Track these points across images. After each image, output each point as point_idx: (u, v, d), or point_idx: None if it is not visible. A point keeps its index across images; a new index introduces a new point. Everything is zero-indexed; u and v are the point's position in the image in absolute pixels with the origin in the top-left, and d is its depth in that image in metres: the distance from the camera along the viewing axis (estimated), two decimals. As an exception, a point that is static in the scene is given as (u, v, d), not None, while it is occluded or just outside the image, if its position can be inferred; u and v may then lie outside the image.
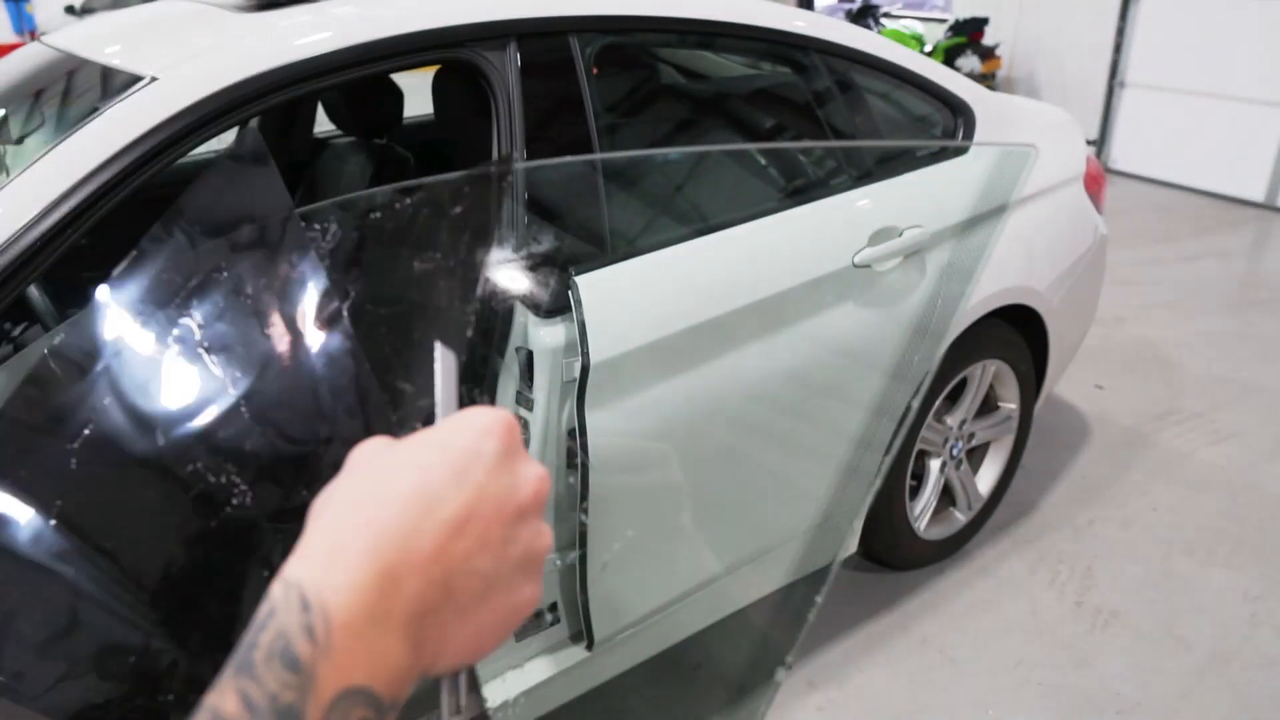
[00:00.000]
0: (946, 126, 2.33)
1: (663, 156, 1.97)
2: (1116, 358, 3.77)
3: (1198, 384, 3.56)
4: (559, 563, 1.65)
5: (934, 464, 2.42)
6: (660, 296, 1.66)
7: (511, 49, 1.57)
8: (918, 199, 2.07)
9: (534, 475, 0.41)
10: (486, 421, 0.40)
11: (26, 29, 11.01)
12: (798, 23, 2.09)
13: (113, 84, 1.40)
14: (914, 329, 2.04)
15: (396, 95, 2.37)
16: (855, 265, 1.90)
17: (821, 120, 2.16)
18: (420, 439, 0.40)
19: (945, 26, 7.45)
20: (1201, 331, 4.03)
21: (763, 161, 2.13)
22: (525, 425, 1.59)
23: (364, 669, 0.34)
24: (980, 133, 2.33)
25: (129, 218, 1.25)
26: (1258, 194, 5.86)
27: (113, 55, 1.48)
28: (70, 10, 8.45)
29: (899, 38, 7.53)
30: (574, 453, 1.57)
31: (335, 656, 0.33)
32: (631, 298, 1.62)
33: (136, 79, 1.33)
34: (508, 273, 1.50)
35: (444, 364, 0.43)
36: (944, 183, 2.14)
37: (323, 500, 0.39)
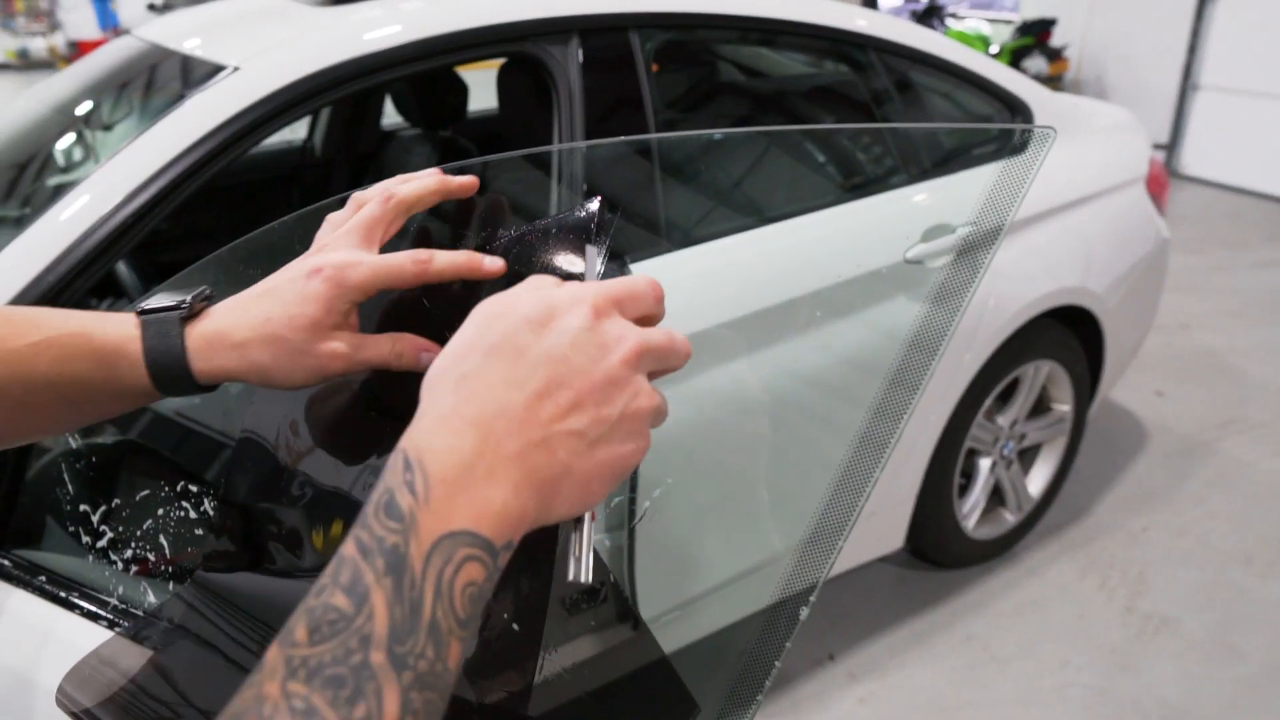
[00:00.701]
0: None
1: (720, 136, 2.00)
2: (1179, 364, 3.69)
3: (1263, 394, 3.48)
4: (608, 543, 1.70)
5: (984, 463, 2.42)
6: (713, 286, 1.69)
7: (574, 44, 1.62)
8: (971, 197, 2.07)
9: (629, 343, 0.45)
10: (579, 294, 0.46)
11: (111, 25, 11.44)
12: (859, 21, 2.11)
13: (197, 74, 1.48)
14: (965, 327, 2.04)
15: (461, 89, 2.45)
16: (907, 261, 1.91)
17: (879, 119, 2.17)
18: (519, 317, 0.45)
19: (1012, 27, 7.34)
20: (1268, 340, 3.93)
21: (820, 158, 2.16)
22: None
23: (465, 516, 0.39)
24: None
25: (203, 203, 1.33)
26: (1335, 201, 5.68)
27: (196, 47, 1.57)
28: (152, 7, 8.75)
29: (964, 39, 7.44)
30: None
31: (434, 506, 0.38)
32: (686, 287, 1.66)
33: (219, 68, 1.41)
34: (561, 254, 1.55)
35: (590, 256, 0.54)
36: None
37: (433, 374, 0.44)
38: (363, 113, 2.61)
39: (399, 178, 0.62)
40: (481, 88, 2.59)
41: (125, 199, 1.25)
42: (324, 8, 1.63)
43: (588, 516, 0.46)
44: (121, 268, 1.71)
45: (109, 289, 1.85)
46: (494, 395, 0.42)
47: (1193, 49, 6.42)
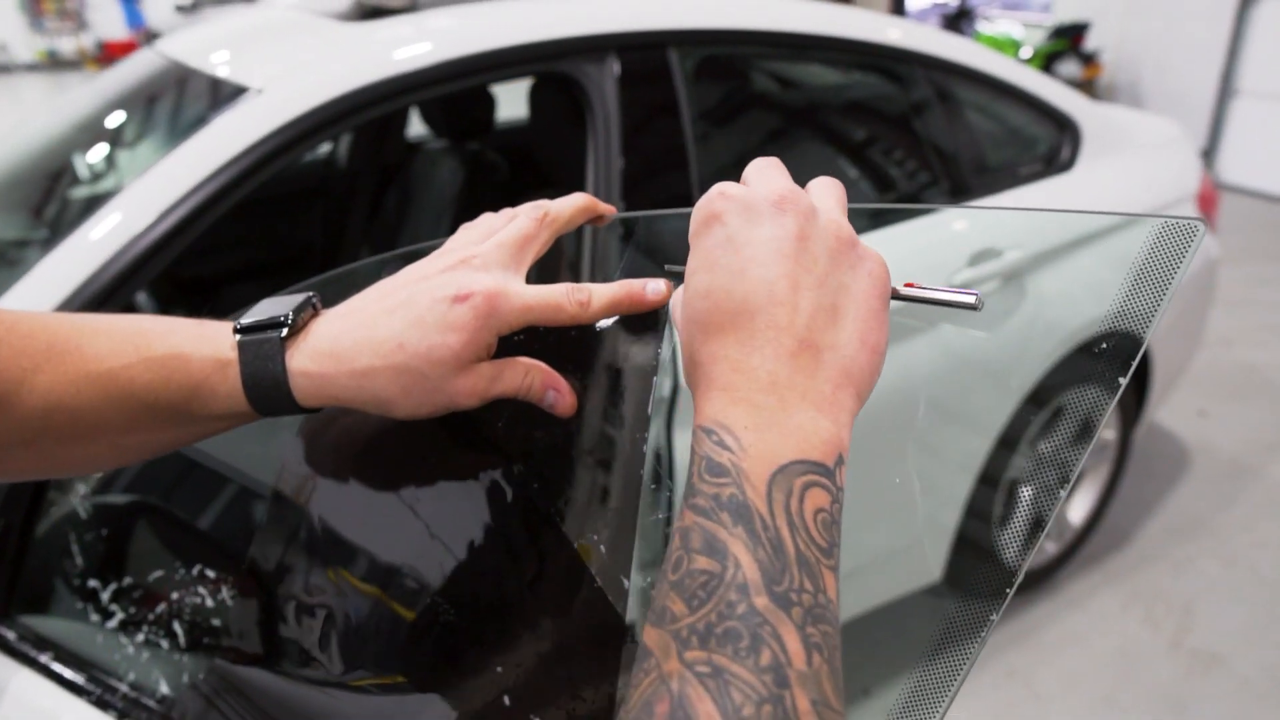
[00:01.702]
0: (1051, 143, 2.24)
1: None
2: (1222, 383, 3.58)
3: (1310, 414, 3.37)
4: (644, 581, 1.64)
5: (1026, 492, 2.33)
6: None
7: (610, 62, 1.55)
8: (1017, 219, 2.00)
9: (788, 207, 0.44)
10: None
11: (139, 25, 11.50)
12: (893, 33, 2.03)
13: (220, 94, 1.43)
14: (1010, 351, 1.97)
15: (489, 101, 2.39)
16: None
17: (919, 133, 2.10)
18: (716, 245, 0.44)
19: (1045, 31, 7.22)
20: (1315, 357, 3.81)
21: (851, 175, 2.08)
22: (612, 443, 1.58)
23: (787, 448, 0.38)
24: (1087, 149, 2.23)
25: (224, 216, 1.28)
26: (1380, 211, 5.52)
27: (220, 65, 1.52)
28: (181, 9, 8.78)
29: (994, 43, 7.32)
30: (660, 474, 1.55)
31: (751, 451, 0.38)
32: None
33: (242, 90, 1.35)
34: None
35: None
36: (1042, 203, 2.06)
37: (687, 345, 0.44)
38: (388, 125, 2.55)
39: (541, 203, 0.57)
40: (509, 92, 2.54)
41: (147, 228, 1.20)
42: (351, 23, 1.57)
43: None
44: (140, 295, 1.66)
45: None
46: (746, 354, 0.41)
47: (1232, 53, 6.28)
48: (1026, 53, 7.09)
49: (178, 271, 2.28)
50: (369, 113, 1.35)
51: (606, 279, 0.54)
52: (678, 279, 0.52)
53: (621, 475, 0.55)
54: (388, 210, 2.38)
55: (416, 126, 2.67)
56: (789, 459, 0.37)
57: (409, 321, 0.49)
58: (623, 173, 1.57)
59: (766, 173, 0.47)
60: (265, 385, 0.49)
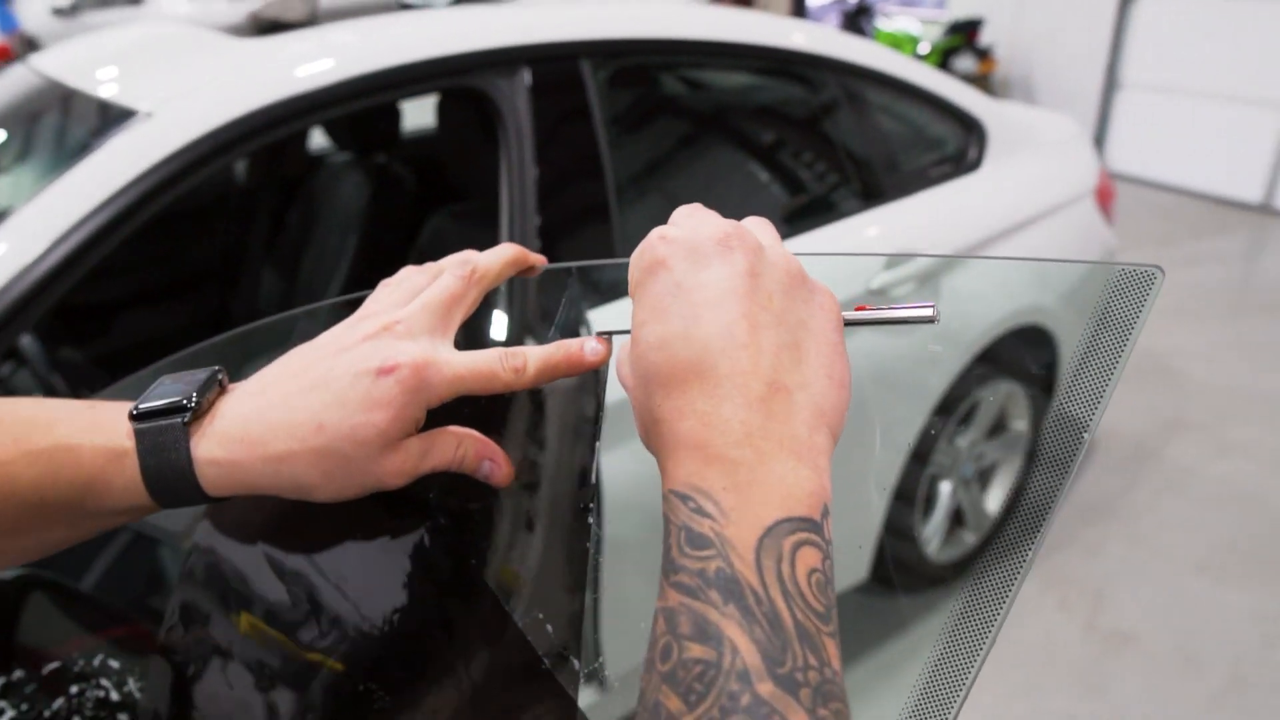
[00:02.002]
0: (959, 143, 2.28)
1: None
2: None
3: (1201, 393, 3.53)
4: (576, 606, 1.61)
5: (945, 487, 2.38)
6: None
7: (522, 74, 1.51)
8: (929, 220, 2.03)
9: (734, 250, 0.41)
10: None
11: (12, 29, 10.86)
12: (799, 38, 2.04)
13: (107, 118, 1.34)
14: (926, 357, 2.00)
15: (394, 113, 2.32)
16: (870, 292, 1.85)
17: (830, 136, 2.11)
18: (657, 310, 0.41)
19: (941, 27, 7.41)
20: (1203, 338, 4.00)
21: (764, 179, 2.09)
22: (535, 466, 1.54)
23: (770, 506, 0.35)
24: (993, 150, 2.29)
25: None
26: (1254, 196, 5.84)
27: (105, 85, 1.42)
28: (59, 11, 8.31)
29: (893, 40, 7.49)
30: (588, 496, 1.52)
31: (734, 515, 0.35)
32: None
33: (130, 113, 1.27)
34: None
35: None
36: (955, 203, 2.10)
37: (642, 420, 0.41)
38: (288, 138, 2.45)
39: (468, 256, 0.53)
40: (414, 101, 2.47)
41: (27, 267, 1.11)
42: (247, 39, 1.49)
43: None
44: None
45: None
46: (712, 408, 0.38)
47: (1115, 47, 6.55)
48: (924, 48, 7.27)
49: (65, 298, 2.14)
50: (270, 134, 1.29)
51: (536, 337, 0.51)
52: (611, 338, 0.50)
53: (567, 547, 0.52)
54: (291, 228, 2.29)
55: (319, 139, 2.58)
56: (775, 518, 0.35)
57: (329, 400, 0.45)
58: (538, 182, 1.54)
59: (699, 214, 0.44)
60: (168, 477, 0.44)
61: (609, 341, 0.50)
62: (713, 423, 0.37)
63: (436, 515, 0.52)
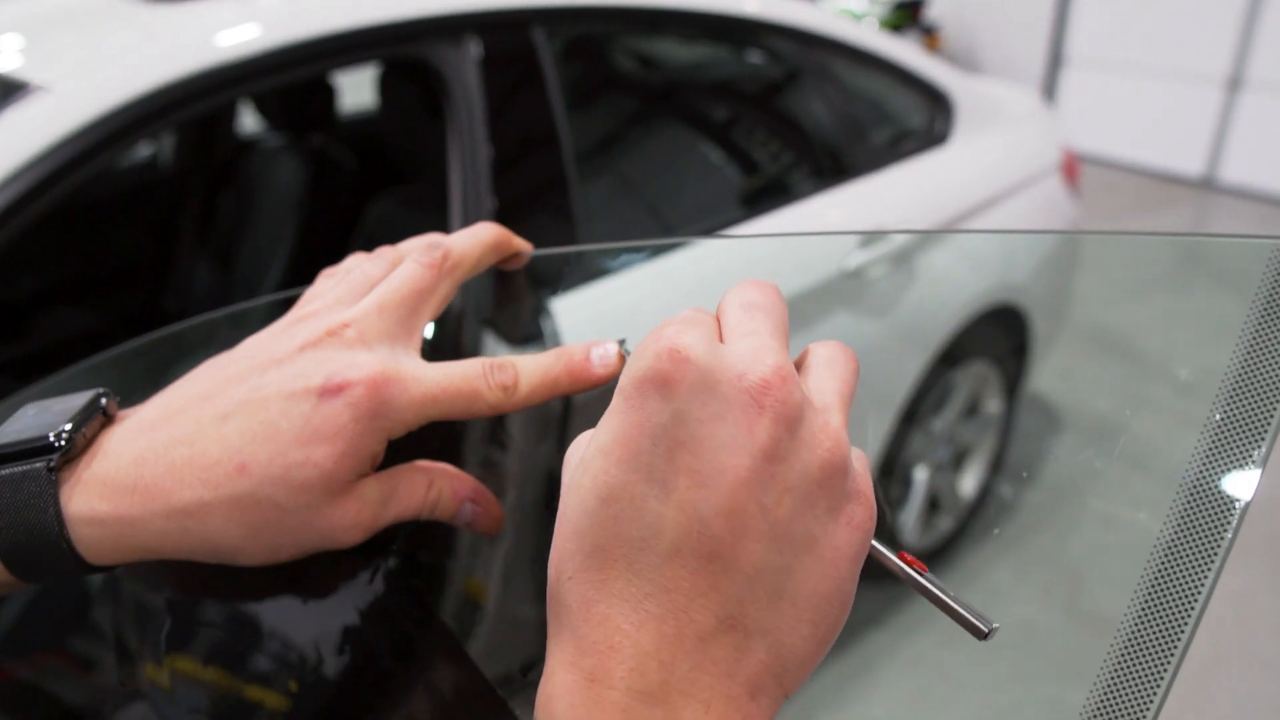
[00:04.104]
0: (926, 117, 2.20)
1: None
2: (1077, 345, 3.71)
3: (1160, 368, 3.52)
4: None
5: (920, 473, 2.31)
6: (641, 317, 1.50)
7: (469, 43, 1.38)
8: (902, 196, 1.94)
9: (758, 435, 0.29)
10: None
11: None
12: (756, 6, 1.92)
13: (-5, 93, 1.17)
14: (905, 335, 1.92)
15: (328, 90, 2.16)
16: (846, 274, 1.75)
17: (797, 108, 2.01)
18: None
19: (887, 4, 7.38)
20: (1155, 313, 4.01)
21: (723, 158, 1.98)
22: (499, 467, 1.42)
23: None
24: (961, 125, 2.20)
25: (26, 235, 1.05)
26: (1195, 171, 5.90)
27: (-3, 56, 1.26)
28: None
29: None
30: (553, 496, 1.41)
31: None
32: (609, 321, 1.46)
33: (22, 86, 1.11)
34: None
35: None
36: (931, 178, 2.02)
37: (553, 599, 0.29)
38: (215, 118, 2.28)
39: (436, 239, 0.40)
40: (353, 79, 2.31)
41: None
42: (159, 4, 1.33)
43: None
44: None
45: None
46: (633, 598, 0.27)
47: (1059, 24, 6.57)
48: (870, 25, 7.22)
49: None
50: (189, 109, 1.14)
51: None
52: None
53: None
54: (223, 215, 2.12)
55: (251, 121, 2.40)
56: None
57: (254, 431, 0.32)
58: (491, 162, 1.41)
59: (755, 318, 0.32)
60: (30, 544, 0.31)
61: (624, 353, 0.39)
62: (622, 647, 0.26)
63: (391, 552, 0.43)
